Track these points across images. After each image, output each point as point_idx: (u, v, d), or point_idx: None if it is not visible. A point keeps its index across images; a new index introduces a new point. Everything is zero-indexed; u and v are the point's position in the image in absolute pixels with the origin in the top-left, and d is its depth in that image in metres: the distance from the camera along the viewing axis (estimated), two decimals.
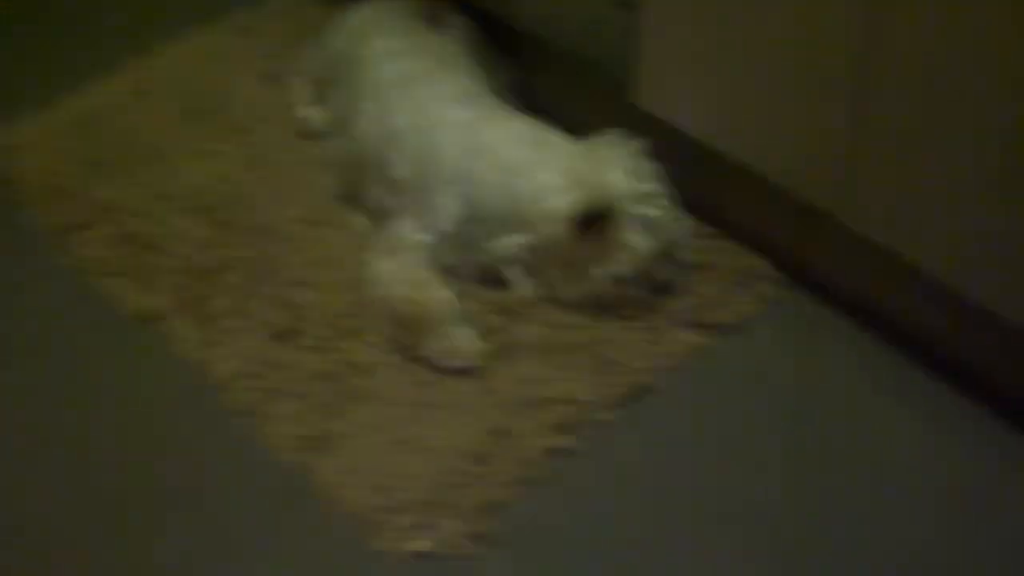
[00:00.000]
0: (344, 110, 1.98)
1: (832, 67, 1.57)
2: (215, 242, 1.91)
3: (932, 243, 1.57)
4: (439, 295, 1.75)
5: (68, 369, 1.77)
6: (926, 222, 1.57)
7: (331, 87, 2.04)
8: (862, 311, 1.76)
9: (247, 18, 2.31)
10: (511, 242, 1.77)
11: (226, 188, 2.00)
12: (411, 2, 2.05)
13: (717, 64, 1.71)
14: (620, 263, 1.72)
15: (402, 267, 1.79)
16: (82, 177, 2.02)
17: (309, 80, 2.10)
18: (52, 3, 2.41)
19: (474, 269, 1.81)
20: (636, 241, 1.72)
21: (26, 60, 2.29)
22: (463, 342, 1.72)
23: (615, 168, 1.74)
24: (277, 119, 2.11)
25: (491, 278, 1.81)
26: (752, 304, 1.79)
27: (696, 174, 1.87)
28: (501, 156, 1.79)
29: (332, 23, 2.09)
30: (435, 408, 1.68)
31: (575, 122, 1.99)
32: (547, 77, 2.03)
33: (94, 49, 2.29)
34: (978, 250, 1.53)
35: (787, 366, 1.73)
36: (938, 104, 1.48)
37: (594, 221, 1.71)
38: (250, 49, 2.25)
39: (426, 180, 1.82)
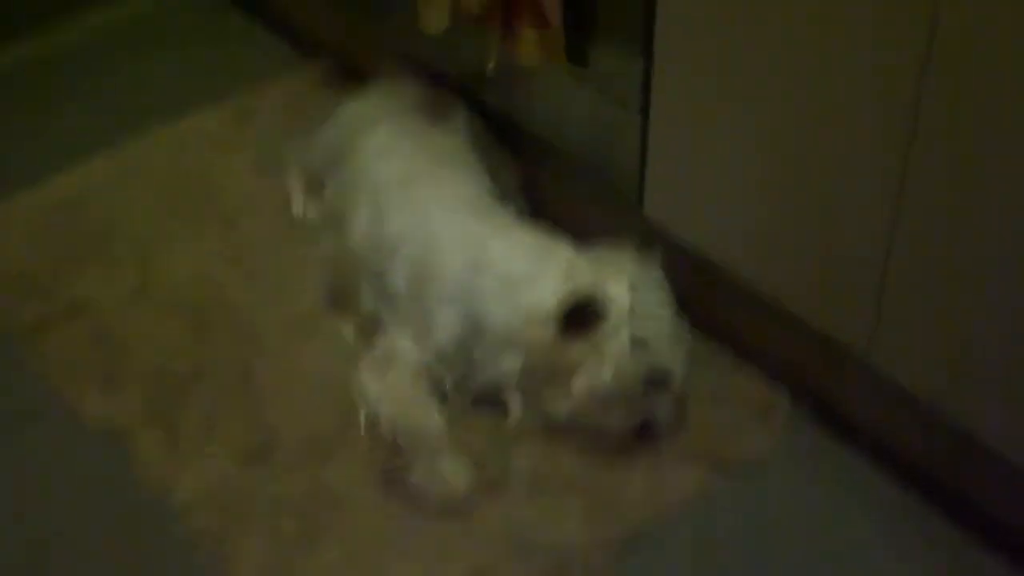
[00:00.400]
0: (338, 207, 1.85)
1: (863, 190, 1.42)
2: (191, 347, 1.79)
3: (960, 391, 1.42)
4: (430, 422, 1.62)
5: (18, 483, 1.64)
6: (954, 368, 1.42)
7: (326, 181, 1.92)
8: (884, 452, 1.60)
9: (249, 102, 2.20)
10: (510, 362, 1.63)
11: (208, 286, 1.87)
12: (413, 92, 1.93)
13: (728, 177, 1.57)
14: (602, 376, 1.56)
15: (394, 385, 1.65)
16: (57, 268, 1.91)
17: (303, 172, 1.98)
18: (51, 74, 2.31)
19: (470, 390, 1.67)
20: (622, 354, 1.56)
21: (14, 134, 2.18)
22: (451, 474, 1.58)
23: (618, 279, 1.60)
24: (268, 212, 1.99)
25: (487, 399, 1.66)
26: (765, 439, 1.64)
27: (709, 292, 1.73)
28: (503, 271, 1.65)
29: (330, 112, 1.97)
30: (413, 548, 1.53)
31: (583, 230, 1.86)
32: (555, 182, 1.90)
33: (88, 126, 2.19)
34: (1016, 408, 1.38)
35: (799, 511, 1.57)
36: (974, 241, 1.33)
37: (580, 321, 1.57)
38: (247, 135, 2.14)
39: (424, 294, 1.68)
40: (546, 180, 1.90)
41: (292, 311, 1.83)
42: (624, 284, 1.59)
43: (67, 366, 1.77)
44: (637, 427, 1.61)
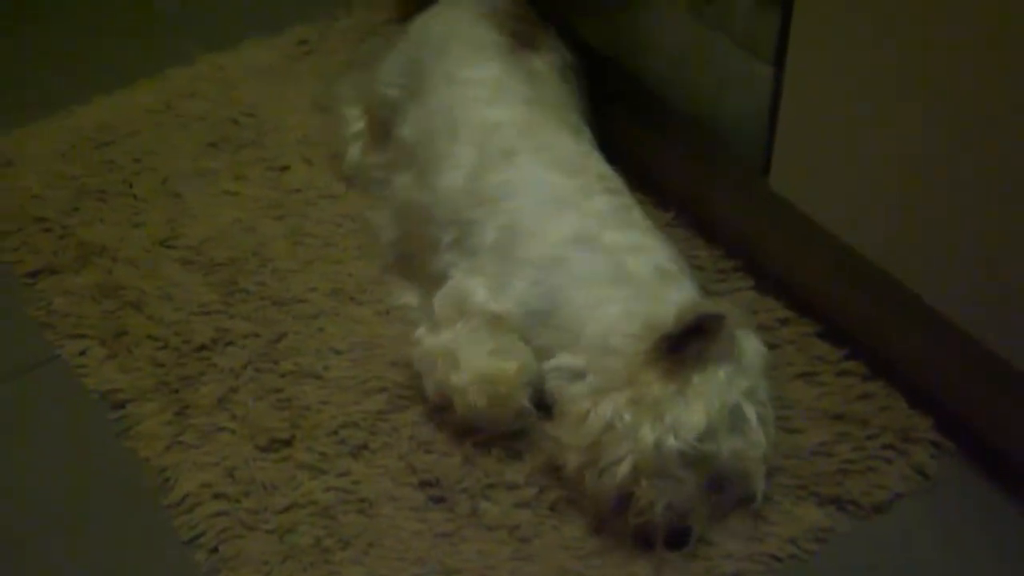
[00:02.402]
0: (421, 148, 1.54)
1: None
2: (216, 308, 1.51)
3: None
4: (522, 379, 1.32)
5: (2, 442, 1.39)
6: None
7: (398, 118, 1.62)
8: None
9: (311, 34, 1.92)
10: (572, 362, 1.32)
11: (244, 240, 1.59)
12: (495, 6, 1.62)
13: (881, 151, 1.26)
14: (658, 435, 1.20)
15: (473, 335, 1.35)
16: (74, 207, 1.65)
17: (366, 111, 1.68)
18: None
19: None
20: (702, 421, 1.20)
21: (47, 58, 1.93)
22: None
23: (748, 333, 1.28)
24: (323, 158, 1.71)
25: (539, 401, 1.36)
26: (902, 473, 1.31)
27: (842, 288, 1.42)
28: (604, 266, 1.34)
29: (400, 35, 1.67)
30: (453, 572, 1.24)
31: (695, 200, 1.57)
32: (662, 140, 1.59)
33: (131, 50, 1.94)
34: None
35: (939, 560, 1.25)
36: None
37: (685, 352, 1.22)
38: (307, 71, 1.86)
39: (512, 250, 1.38)
40: (652, 138, 1.59)
41: (340, 273, 1.54)
42: (757, 341, 1.28)
43: (71, 319, 1.51)
44: (645, 524, 1.23)
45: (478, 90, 1.52)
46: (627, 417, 1.21)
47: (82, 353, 1.47)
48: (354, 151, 1.68)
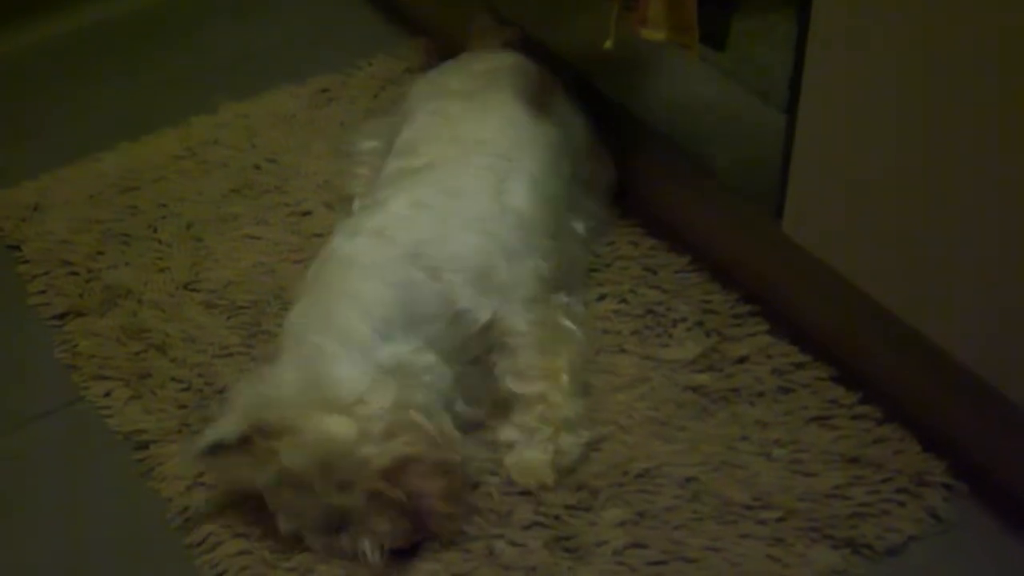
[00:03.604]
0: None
1: None
2: (238, 350, 1.54)
3: None
4: None
5: (26, 480, 1.42)
6: None
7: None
8: None
9: (332, 82, 1.96)
10: None
11: (266, 284, 1.62)
12: (508, 64, 1.63)
13: (896, 200, 1.27)
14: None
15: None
16: (100, 250, 1.68)
17: (365, 162, 1.71)
18: (118, 42, 2.11)
19: None
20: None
21: (72, 103, 1.98)
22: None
23: None
24: (343, 203, 1.73)
25: None
26: (914, 517, 1.32)
27: (856, 333, 1.43)
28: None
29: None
30: None
31: (707, 245, 1.58)
32: (675, 185, 1.61)
33: (153, 99, 1.97)
34: None
35: None
36: None
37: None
38: (328, 118, 1.89)
39: None
40: (664, 183, 1.62)
41: None
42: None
43: (96, 361, 1.54)
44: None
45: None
46: None
47: (107, 394, 1.49)
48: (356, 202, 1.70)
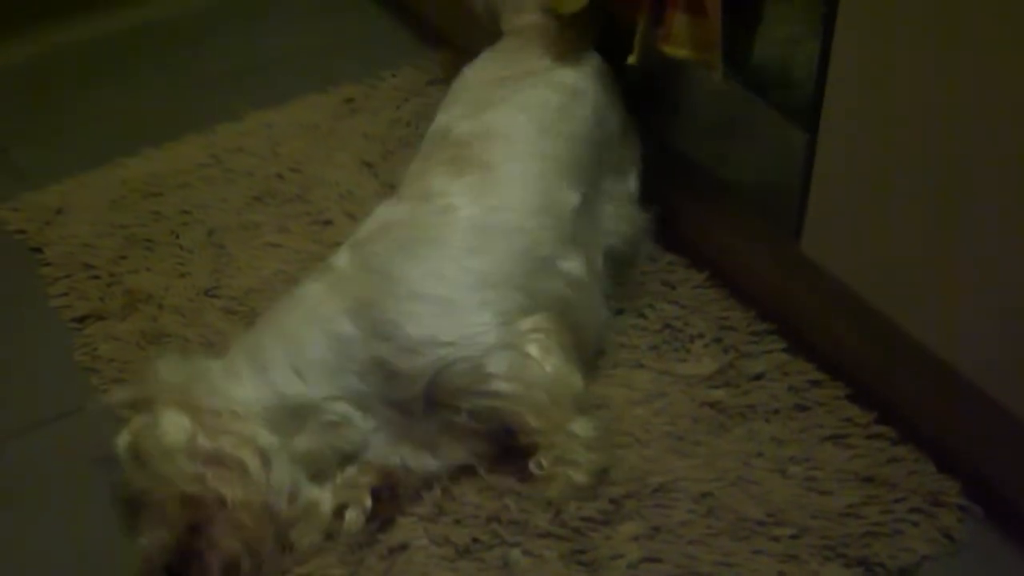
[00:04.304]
0: None
1: None
2: None
3: None
4: None
5: (45, 482, 1.43)
6: None
7: None
8: None
9: (357, 93, 1.97)
10: None
11: (286, 292, 1.62)
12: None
13: (917, 222, 1.28)
14: None
15: None
16: (121, 257, 1.69)
17: None
18: (145, 48, 2.13)
19: None
20: None
21: (96, 109, 1.99)
22: None
23: None
24: (366, 212, 1.74)
25: None
26: (929, 539, 1.32)
27: (873, 353, 1.44)
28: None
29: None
30: None
31: (725, 260, 1.59)
32: (693, 201, 1.62)
33: (181, 106, 1.99)
34: None
35: None
36: None
37: None
38: (351, 129, 1.90)
39: None
40: (686, 200, 1.63)
41: None
42: None
43: (116, 364, 1.55)
44: None
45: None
46: None
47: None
48: None
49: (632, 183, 1.59)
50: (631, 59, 1.43)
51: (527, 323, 1.35)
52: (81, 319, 1.61)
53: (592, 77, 1.54)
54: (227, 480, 1.26)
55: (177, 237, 1.72)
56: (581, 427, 1.36)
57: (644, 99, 1.59)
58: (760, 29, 1.44)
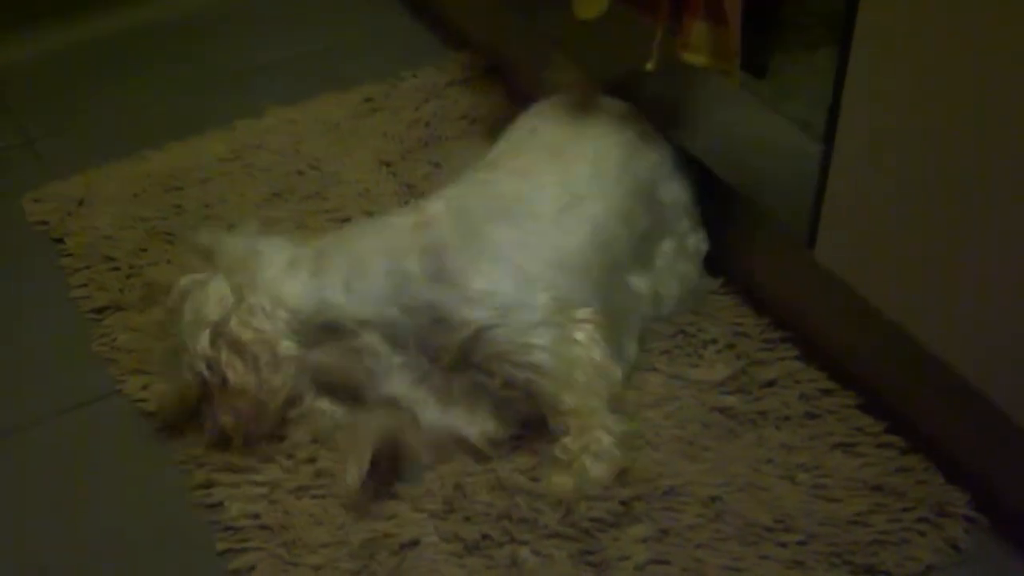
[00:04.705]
0: None
1: None
2: None
3: None
4: None
5: (61, 471, 1.45)
6: None
7: None
8: None
9: (377, 92, 1.99)
10: None
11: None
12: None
13: (935, 236, 1.28)
14: None
15: None
16: (141, 250, 1.71)
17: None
18: (169, 43, 2.16)
19: None
20: None
21: (120, 102, 2.02)
22: None
23: None
24: (383, 211, 1.76)
25: None
26: (936, 549, 1.32)
27: (885, 363, 1.45)
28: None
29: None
30: None
31: (740, 268, 1.60)
32: (717, 216, 1.63)
33: (204, 102, 2.01)
34: None
35: None
36: None
37: None
38: (371, 128, 1.92)
39: None
40: (701, 208, 1.64)
41: None
42: None
43: (134, 355, 1.56)
44: None
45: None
46: None
47: (144, 388, 1.52)
48: None
49: (701, 243, 1.62)
50: (648, 66, 1.44)
51: (582, 312, 1.40)
52: (100, 310, 1.63)
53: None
54: (235, 368, 1.39)
55: (197, 231, 1.74)
56: (616, 422, 1.37)
57: (660, 108, 1.60)
58: (778, 38, 1.45)
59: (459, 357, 1.39)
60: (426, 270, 1.39)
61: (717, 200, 1.61)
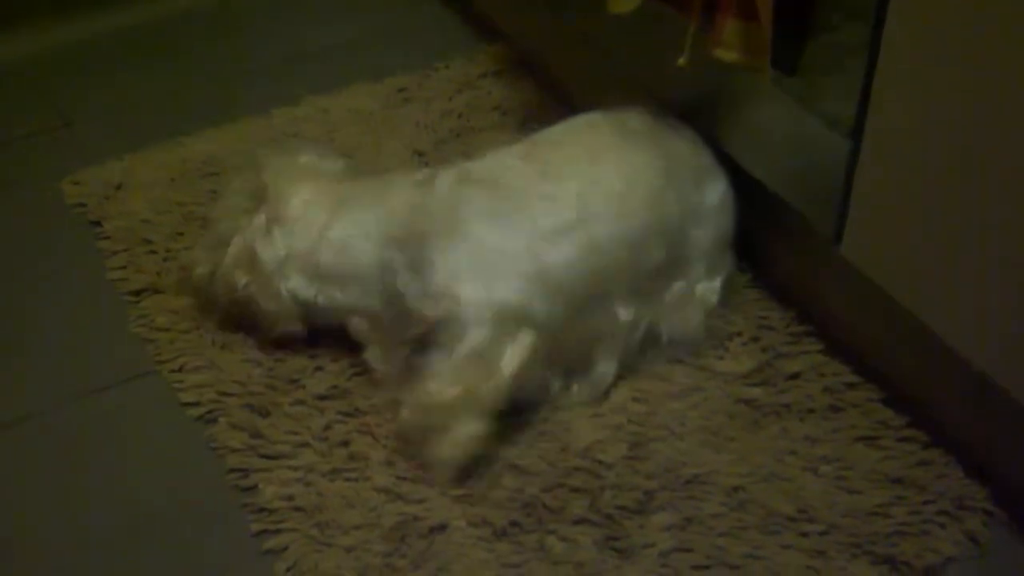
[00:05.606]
0: None
1: None
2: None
3: None
4: None
5: (100, 449, 1.48)
6: None
7: None
8: None
9: (410, 83, 2.02)
10: None
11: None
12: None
13: (954, 227, 1.30)
14: None
15: None
16: (178, 233, 1.75)
17: None
18: (207, 32, 2.19)
19: None
20: None
21: (159, 89, 2.05)
22: None
23: None
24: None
25: None
26: (955, 541, 1.35)
27: (910, 360, 1.47)
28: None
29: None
30: None
31: (764, 263, 1.62)
32: (745, 210, 1.65)
33: (241, 89, 2.04)
34: None
35: None
36: None
37: None
38: (403, 118, 1.95)
39: None
40: None
41: None
42: None
43: (170, 335, 1.60)
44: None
45: None
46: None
47: (179, 369, 1.56)
48: None
49: (710, 294, 1.57)
50: (680, 61, 1.46)
51: (524, 336, 1.39)
52: (137, 292, 1.66)
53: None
54: (256, 292, 1.53)
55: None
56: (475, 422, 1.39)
57: (690, 104, 1.62)
58: (809, 36, 1.46)
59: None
60: (405, 257, 1.43)
61: (743, 194, 1.63)
